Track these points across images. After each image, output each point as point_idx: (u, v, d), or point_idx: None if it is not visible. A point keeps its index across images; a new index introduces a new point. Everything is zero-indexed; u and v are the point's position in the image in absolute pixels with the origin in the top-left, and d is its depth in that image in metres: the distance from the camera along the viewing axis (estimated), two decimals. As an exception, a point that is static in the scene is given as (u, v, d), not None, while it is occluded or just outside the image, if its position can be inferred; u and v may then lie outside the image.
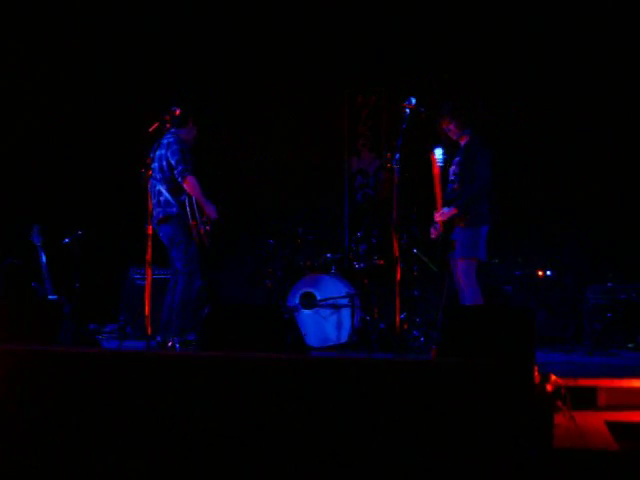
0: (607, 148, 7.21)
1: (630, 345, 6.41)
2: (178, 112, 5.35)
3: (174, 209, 5.48)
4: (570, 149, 7.35)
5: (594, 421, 3.89)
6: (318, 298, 6.42)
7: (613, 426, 3.79)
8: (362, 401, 3.06)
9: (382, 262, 6.55)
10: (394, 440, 3.01)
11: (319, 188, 8.12)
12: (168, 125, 5.37)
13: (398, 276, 5.04)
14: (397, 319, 4.87)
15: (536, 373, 3.42)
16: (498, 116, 7.52)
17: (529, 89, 7.44)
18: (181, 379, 3.22)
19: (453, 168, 5.81)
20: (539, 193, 7.41)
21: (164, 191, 5.51)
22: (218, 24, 7.89)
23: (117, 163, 7.57)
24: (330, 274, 6.51)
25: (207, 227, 5.58)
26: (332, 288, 6.41)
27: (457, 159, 5.78)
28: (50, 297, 5.92)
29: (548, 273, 7.04)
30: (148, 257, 4.96)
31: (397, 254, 5.07)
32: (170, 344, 5.48)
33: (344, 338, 6.32)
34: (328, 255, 6.73)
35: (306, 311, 6.42)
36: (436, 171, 5.63)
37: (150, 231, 5.00)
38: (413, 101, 5.27)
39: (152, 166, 5.37)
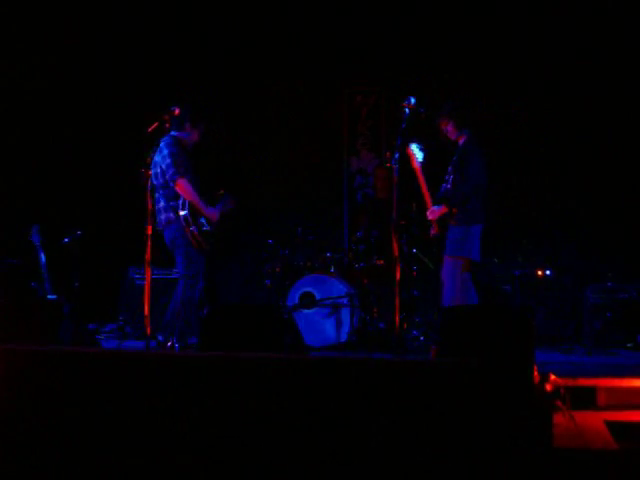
0: (607, 148, 7.21)
1: (629, 345, 6.41)
2: (177, 112, 5.33)
3: (172, 214, 5.47)
4: (570, 149, 7.36)
5: (593, 421, 3.89)
6: (317, 298, 6.42)
7: (612, 426, 3.79)
8: (362, 401, 3.06)
9: (382, 262, 6.55)
10: (394, 440, 3.01)
11: (319, 188, 8.13)
12: (167, 125, 5.35)
13: (398, 276, 5.04)
14: (397, 319, 4.87)
15: (535, 373, 3.43)
16: (498, 116, 7.52)
17: (529, 89, 7.45)
18: (180, 379, 3.22)
19: (449, 168, 5.82)
20: (539, 193, 7.42)
21: (161, 197, 5.52)
22: (218, 23, 7.89)
23: (117, 163, 7.57)
24: (329, 274, 6.52)
25: (206, 228, 5.54)
26: (331, 288, 6.41)
27: (453, 159, 5.79)
28: (49, 297, 5.91)
29: (547, 273, 7.04)
30: (147, 257, 4.95)
31: (397, 254, 5.07)
32: (170, 344, 5.48)
33: (343, 338, 6.32)
34: (328, 255, 6.74)
35: (305, 311, 6.42)
36: (415, 165, 5.60)
37: (150, 231, 4.99)
38: (413, 101, 5.27)
39: (152, 171, 5.38)
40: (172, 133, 5.58)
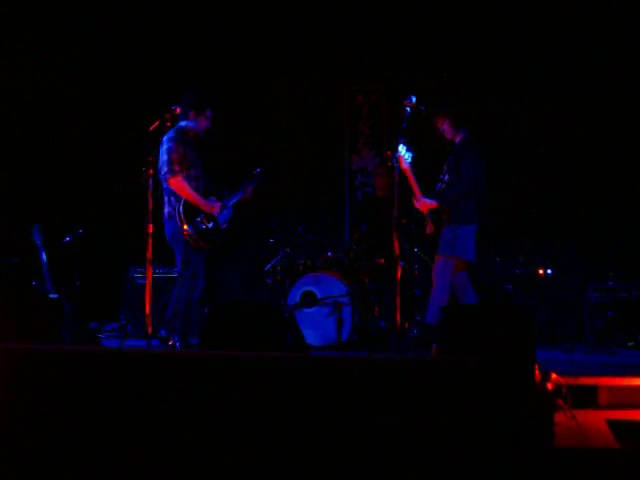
0: (607, 148, 7.21)
1: (631, 343, 6.41)
2: (178, 111, 5.32)
3: (171, 209, 5.45)
4: (570, 148, 7.35)
5: (595, 420, 3.89)
6: (318, 297, 6.41)
7: (614, 425, 3.79)
8: (362, 400, 3.06)
9: (383, 261, 6.55)
10: (395, 439, 3.01)
11: (320, 186, 8.13)
12: (168, 124, 5.34)
13: (399, 275, 5.04)
14: (398, 318, 4.88)
15: (537, 372, 3.43)
16: (498, 116, 7.52)
17: (529, 89, 7.44)
18: (182, 378, 3.22)
19: (445, 167, 5.80)
20: (539, 193, 7.41)
21: (164, 191, 5.50)
22: (218, 23, 7.89)
23: (118, 162, 7.58)
24: (331, 273, 6.51)
25: (207, 225, 5.45)
26: (333, 287, 6.40)
27: (449, 158, 5.77)
28: (51, 296, 5.91)
29: (549, 272, 7.04)
30: (149, 256, 4.95)
31: (398, 253, 5.07)
32: (171, 343, 5.47)
33: (344, 337, 6.32)
34: (329, 254, 6.73)
35: (307, 310, 6.42)
36: (404, 167, 5.57)
37: (150, 230, 4.99)
38: (413, 99, 5.27)
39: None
40: (180, 124, 5.56)
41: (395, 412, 3.02)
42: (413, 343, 5.56)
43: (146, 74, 7.89)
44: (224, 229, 5.58)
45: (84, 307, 6.35)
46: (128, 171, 5.84)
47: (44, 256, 6.06)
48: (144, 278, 6.35)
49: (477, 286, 5.97)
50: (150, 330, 4.94)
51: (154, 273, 5.31)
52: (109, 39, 7.80)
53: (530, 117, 7.49)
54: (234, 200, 5.73)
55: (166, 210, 5.50)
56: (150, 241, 4.95)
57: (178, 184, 5.38)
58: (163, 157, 5.41)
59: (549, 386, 3.57)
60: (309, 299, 6.43)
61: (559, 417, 3.53)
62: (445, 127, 5.79)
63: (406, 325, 6.13)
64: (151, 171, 5.08)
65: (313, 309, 6.42)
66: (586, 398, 4.20)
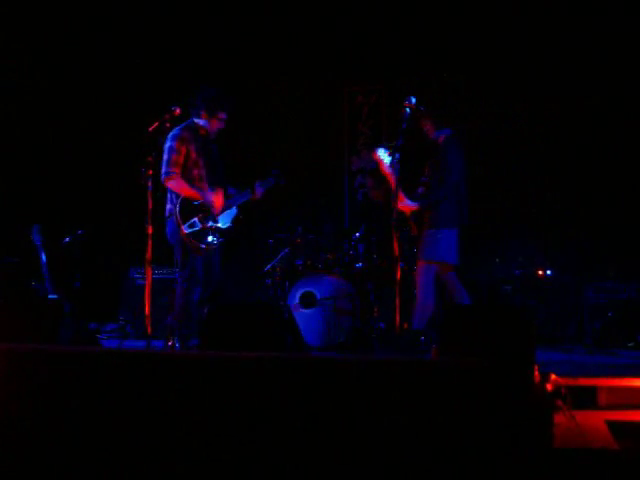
0: (607, 148, 7.21)
1: (630, 344, 6.41)
2: (178, 111, 5.31)
3: (172, 207, 5.41)
4: (570, 148, 7.35)
5: (594, 420, 3.89)
6: (318, 297, 6.41)
7: (613, 425, 3.79)
8: (362, 401, 3.06)
9: (382, 262, 6.55)
10: (394, 440, 3.01)
11: (319, 187, 8.13)
12: (168, 124, 5.33)
13: (398, 276, 5.04)
14: (397, 318, 4.88)
15: (536, 372, 3.43)
16: (498, 116, 7.52)
17: (530, 89, 7.44)
18: (181, 379, 3.22)
19: (427, 169, 5.74)
20: (539, 193, 7.41)
21: (168, 189, 5.46)
22: (218, 23, 7.89)
23: (117, 162, 7.57)
24: (330, 273, 6.51)
25: (206, 225, 5.41)
26: (332, 287, 6.40)
27: (432, 159, 5.68)
28: (50, 296, 5.91)
29: (548, 272, 7.04)
30: (148, 257, 4.95)
31: (397, 254, 5.07)
32: (170, 343, 5.47)
33: (343, 337, 6.32)
34: (328, 254, 6.73)
35: (306, 310, 6.42)
36: (385, 171, 5.52)
37: (150, 231, 4.98)
38: (413, 100, 5.26)
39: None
40: (192, 120, 5.55)
41: (394, 413, 3.02)
42: (402, 348, 5.49)
43: (146, 74, 7.89)
44: (225, 229, 5.54)
45: (83, 308, 6.34)
46: (128, 171, 5.84)
47: (43, 256, 6.05)
48: (144, 279, 6.34)
49: (477, 287, 5.97)
50: (150, 331, 4.94)
51: (153, 274, 5.30)
52: (109, 39, 7.80)
53: (530, 117, 7.49)
54: (240, 200, 5.70)
55: (167, 208, 5.47)
56: (150, 242, 4.95)
57: (174, 185, 5.37)
58: (164, 155, 5.40)
59: (548, 387, 3.57)
60: (309, 300, 6.43)
61: (558, 418, 3.53)
62: (427, 127, 5.73)
63: (405, 326, 6.12)
64: (151, 171, 5.07)
65: (312, 310, 6.42)
66: (585, 399, 4.20)
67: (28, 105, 7.64)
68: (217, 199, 5.48)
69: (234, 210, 5.66)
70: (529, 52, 7.35)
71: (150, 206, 5.00)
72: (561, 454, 3.24)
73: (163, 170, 5.37)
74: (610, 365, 5.46)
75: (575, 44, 7.22)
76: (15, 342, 3.88)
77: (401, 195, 5.66)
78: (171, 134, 5.44)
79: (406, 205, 5.63)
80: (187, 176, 5.42)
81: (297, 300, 6.45)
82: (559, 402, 3.60)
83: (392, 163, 5.32)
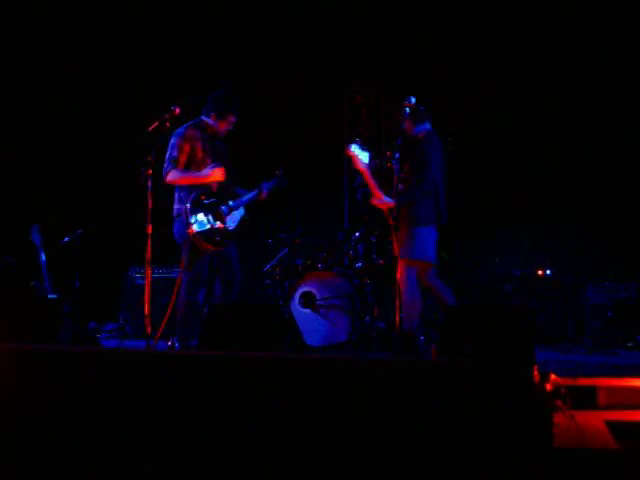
0: (607, 148, 7.22)
1: (630, 344, 6.42)
2: (177, 111, 5.29)
3: (181, 206, 5.38)
4: (570, 148, 7.36)
5: (594, 420, 3.89)
6: (317, 297, 6.41)
7: (613, 425, 3.78)
8: (361, 400, 3.06)
9: (382, 261, 6.55)
10: (393, 439, 3.01)
11: (318, 187, 8.12)
12: (168, 124, 5.31)
13: (398, 275, 5.04)
14: (397, 318, 4.87)
15: (535, 372, 3.42)
16: (498, 116, 7.52)
17: (530, 89, 7.44)
18: (180, 378, 3.22)
19: (405, 165, 5.68)
20: (539, 192, 7.42)
21: (175, 187, 5.44)
22: (218, 24, 7.89)
23: (117, 162, 7.57)
24: (330, 273, 6.51)
25: (214, 225, 5.37)
26: (332, 287, 6.40)
27: (411, 155, 5.56)
28: (50, 296, 5.91)
29: (548, 272, 7.05)
30: (148, 256, 4.95)
31: (397, 253, 5.07)
32: (170, 343, 5.46)
33: (343, 337, 6.32)
34: (327, 254, 6.73)
35: (305, 310, 6.41)
36: (359, 167, 5.51)
37: (150, 230, 4.98)
38: (413, 100, 5.26)
39: None
40: (201, 118, 5.54)
41: (394, 413, 3.02)
42: (401, 348, 5.44)
43: (146, 74, 7.88)
44: (232, 230, 5.50)
45: (83, 307, 6.35)
46: (128, 171, 5.84)
47: (43, 256, 6.06)
48: (143, 278, 6.34)
49: (477, 287, 5.97)
50: (149, 331, 4.93)
51: (153, 273, 5.29)
52: (110, 39, 7.80)
53: (530, 117, 7.49)
54: (248, 200, 5.67)
55: (175, 207, 5.44)
56: (149, 241, 4.95)
57: (172, 178, 5.35)
58: (167, 152, 5.38)
59: (548, 387, 3.56)
60: (308, 299, 6.43)
61: (558, 418, 3.53)
62: (405, 124, 5.68)
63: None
64: (150, 171, 5.06)
65: (312, 309, 6.41)
66: (585, 399, 4.19)
67: (28, 105, 7.64)
68: (217, 171, 5.41)
69: (241, 210, 5.64)
70: (529, 52, 7.35)
71: (150, 206, 5.00)
72: (560, 454, 3.23)
73: (164, 166, 5.36)
74: (610, 365, 5.46)
75: (575, 43, 7.22)
76: (15, 342, 3.88)
77: (377, 192, 5.63)
78: (176, 131, 5.42)
79: (383, 202, 5.60)
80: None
81: (297, 300, 6.45)
82: (558, 402, 3.60)
83: (369, 160, 5.31)
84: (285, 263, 6.80)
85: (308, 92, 8.13)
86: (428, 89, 7.29)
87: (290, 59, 7.98)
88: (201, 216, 5.30)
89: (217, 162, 5.46)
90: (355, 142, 5.52)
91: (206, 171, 5.39)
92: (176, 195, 5.44)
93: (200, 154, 5.41)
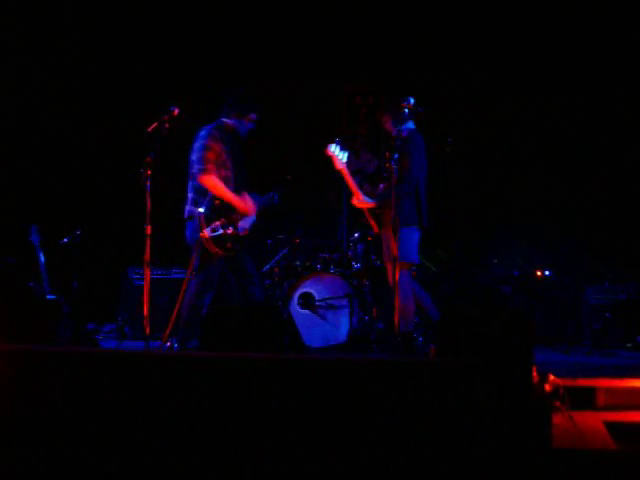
0: (607, 148, 7.22)
1: (629, 345, 6.42)
2: (177, 112, 5.27)
3: (195, 208, 5.37)
4: (570, 148, 7.36)
5: (593, 421, 3.89)
6: (317, 298, 6.41)
7: (612, 426, 3.79)
8: (360, 401, 3.06)
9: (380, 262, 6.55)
10: (393, 439, 3.01)
11: (317, 188, 8.12)
12: (167, 125, 5.28)
13: (397, 276, 5.03)
14: (396, 319, 4.87)
15: (534, 373, 3.42)
16: (498, 115, 7.53)
17: (529, 89, 7.44)
18: (180, 379, 3.22)
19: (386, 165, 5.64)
20: (538, 193, 7.42)
21: (191, 188, 5.42)
22: (217, 23, 7.89)
23: (116, 162, 7.57)
24: (329, 274, 6.51)
25: (226, 231, 5.36)
26: (331, 288, 6.40)
27: (394, 156, 5.57)
28: (48, 297, 5.90)
29: (547, 273, 7.04)
30: (147, 257, 4.94)
31: (395, 254, 5.07)
32: (169, 344, 5.46)
33: (342, 338, 6.32)
34: (327, 255, 6.73)
35: (305, 311, 6.41)
36: (338, 167, 5.51)
37: (149, 231, 4.97)
38: (412, 101, 5.25)
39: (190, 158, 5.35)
40: (221, 120, 5.53)
41: (393, 413, 3.02)
42: (400, 349, 5.42)
43: (146, 74, 7.88)
44: (242, 236, 5.45)
45: (82, 308, 6.34)
46: (127, 172, 5.83)
47: (42, 257, 6.05)
48: (142, 279, 6.34)
49: (475, 287, 5.96)
50: (148, 331, 4.92)
51: (152, 274, 5.28)
52: (109, 39, 7.80)
53: (530, 117, 7.49)
54: (262, 206, 5.65)
55: (187, 208, 5.40)
56: (148, 242, 4.94)
57: (211, 182, 5.27)
58: (199, 153, 5.32)
59: (547, 387, 3.57)
60: (307, 300, 6.43)
61: (557, 419, 3.53)
62: (388, 124, 5.64)
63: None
64: (149, 172, 5.05)
65: (311, 310, 6.41)
66: (584, 399, 4.19)
67: (27, 105, 7.64)
68: (250, 205, 5.44)
69: (254, 217, 5.62)
70: (529, 52, 7.35)
71: (149, 206, 4.99)
72: (559, 454, 3.23)
73: (198, 167, 5.30)
74: (609, 366, 5.46)
75: (575, 43, 7.22)
76: (14, 342, 3.88)
77: (357, 192, 5.62)
78: (203, 133, 5.40)
79: (363, 202, 5.59)
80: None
81: (296, 300, 6.45)
82: (557, 403, 3.60)
83: (348, 160, 5.29)
84: (284, 264, 6.80)
85: (308, 92, 8.14)
86: (428, 89, 7.32)
87: (290, 59, 7.98)
88: (214, 221, 5.26)
89: (255, 196, 5.51)
90: (335, 142, 5.52)
91: (241, 200, 5.39)
92: (190, 196, 5.40)
93: (223, 156, 5.39)
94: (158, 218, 5.37)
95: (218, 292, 5.41)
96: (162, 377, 3.23)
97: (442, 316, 4.94)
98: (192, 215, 5.32)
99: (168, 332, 5.16)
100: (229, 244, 5.31)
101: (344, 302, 6.35)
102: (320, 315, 6.39)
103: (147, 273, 4.95)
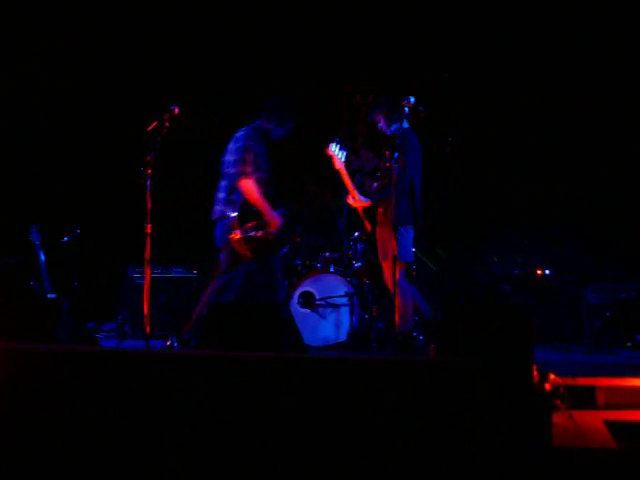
0: (607, 148, 7.21)
1: (629, 344, 6.41)
2: (177, 111, 5.26)
3: (228, 209, 5.36)
4: (570, 148, 7.35)
5: (593, 420, 3.89)
6: (317, 297, 6.41)
7: (612, 425, 3.79)
8: (361, 400, 3.06)
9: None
10: (393, 439, 3.01)
11: (317, 187, 8.12)
12: (167, 124, 5.28)
13: (397, 275, 5.03)
14: (396, 318, 4.87)
15: (535, 372, 3.43)
16: (498, 115, 7.52)
17: (530, 88, 7.44)
18: (180, 378, 3.22)
19: (382, 164, 5.62)
20: (538, 192, 7.41)
21: (224, 188, 5.41)
22: (217, 23, 7.89)
23: (117, 161, 7.57)
24: (329, 273, 6.51)
25: (256, 234, 5.34)
26: (331, 287, 6.40)
27: (388, 155, 5.44)
28: (49, 296, 5.91)
29: (547, 272, 7.04)
30: (147, 256, 4.94)
31: (396, 253, 5.07)
32: (169, 343, 5.46)
33: (343, 337, 6.32)
34: (327, 254, 6.73)
35: (305, 310, 6.41)
36: (337, 166, 5.52)
37: (149, 230, 4.97)
38: (412, 100, 5.25)
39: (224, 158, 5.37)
40: (258, 122, 5.52)
41: (393, 412, 3.02)
42: (400, 348, 5.41)
43: (146, 74, 7.88)
44: (271, 240, 5.46)
45: (82, 307, 6.34)
46: (127, 171, 5.83)
47: (42, 256, 6.05)
48: (142, 278, 6.34)
49: (476, 286, 5.96)
50: (148, 330, 4.92)
51: (152, 273, 5.28)
52: (109, 39, 7.80)
53: (530, 117, 7.49)
54: (285, 210, 5.65)
55: (218, 208, 5.41)
56: (149, 241, 4.94)
57: (248, 186, 5.29)
58: (238, 155, 5.34)
59: (547, 386, 3.57)
60: (307, 299, 6.43)
61: (557, 417, 3.53)
62: (382, 124, 5.65)
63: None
64: (150, 171, 5.05)
65: (311, 309, 6.42)
66: (584, 398, 4.20)
67: (26, 104, 7.63)
68: (277, 220, 5.44)
69: (282, 221, 5.61)
70: (529, 52, 7.35)
71: (149, 205, 4.99)
72: (559, 453, 3.24)
73: (237, 169, 5.30)
74: (609, 365, 5.46)
75: (576, 43, 7.22)
76: (13, 342, 3.88)
77: (353, 191, 5.63)
78: (244, 133, 5.43)
79: (358, 201, 5.59)
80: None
81: (296, 299, 6.45)
82: (557, 402, 3.61)
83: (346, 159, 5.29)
84: (284, 263, 6.80)
85: (307, 92, 8.13)
86: (428, 89, 7.32)
87: (290, 58, 7.98)
88: (247, 223, 5.29)
89: (284, 212, 5.55)
90: (335, 141, 5.54)
91: (275, 214, 5.42)
92: (222, 196, 5.40)
93: (259, 158, 5.41)
94: (158, 217, 5.37)
95: (243, 293, 5.41)
96: (162, 376, 3.23)
97: (442, 315, 4.93)
98: (223, 215, 5.33)
99: (188, 328, 5.19)
100: (259, 247, 5.33)
101: (344, 301, 6.35)
102: (320, 314, 6.39)
103: (147, 272, 4.95)
